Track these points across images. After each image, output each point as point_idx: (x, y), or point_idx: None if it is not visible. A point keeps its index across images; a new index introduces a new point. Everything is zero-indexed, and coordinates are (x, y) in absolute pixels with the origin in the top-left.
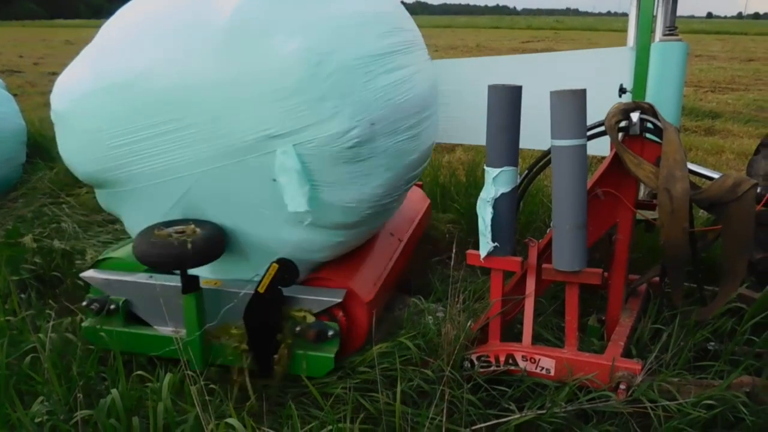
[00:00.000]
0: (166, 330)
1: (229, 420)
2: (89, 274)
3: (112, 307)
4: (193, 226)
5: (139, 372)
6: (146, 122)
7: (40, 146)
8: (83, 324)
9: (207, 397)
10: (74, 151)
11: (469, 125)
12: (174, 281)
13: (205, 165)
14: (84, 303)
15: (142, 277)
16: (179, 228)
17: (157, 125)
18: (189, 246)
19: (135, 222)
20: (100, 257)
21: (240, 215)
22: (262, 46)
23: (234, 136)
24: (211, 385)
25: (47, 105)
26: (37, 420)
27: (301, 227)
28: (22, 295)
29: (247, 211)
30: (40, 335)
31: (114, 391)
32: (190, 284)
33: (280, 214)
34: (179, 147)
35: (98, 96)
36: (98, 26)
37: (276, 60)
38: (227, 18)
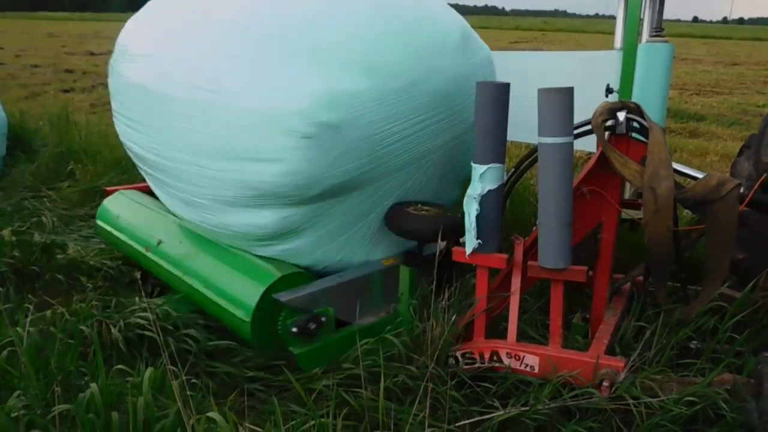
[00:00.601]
0: (369, 320)
1: (211, 414)
2: (289, 296)
3: (323, 319)
4: (419, 204)
5: (119, 366)
6: (420, 117)
7: (21, 139)
8: (297, 352)
9: (188, 392)
10: (333, 162)
11: None
12: (366, 270)
13: (442, 149)
14: (294, 329)
15: (336, 279)
16: (417, 207)
17: (428, 119)
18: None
19: (332, 230)
20: (270, 284)
21: (440, 188)
22: (471, 52)
23: (466, 120)
24: (193, 380)
25: (29, 98)
26: (13, 415)
27: (463, 186)
28: (0, 289)
29: (446, 182)
30: (18, 329)
31: (93, 385)
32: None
33: (461, 177)
34: (432, 137)
35: (379, 101)
36: (84, 19)
37: (479, 61)
38: (458, 35)
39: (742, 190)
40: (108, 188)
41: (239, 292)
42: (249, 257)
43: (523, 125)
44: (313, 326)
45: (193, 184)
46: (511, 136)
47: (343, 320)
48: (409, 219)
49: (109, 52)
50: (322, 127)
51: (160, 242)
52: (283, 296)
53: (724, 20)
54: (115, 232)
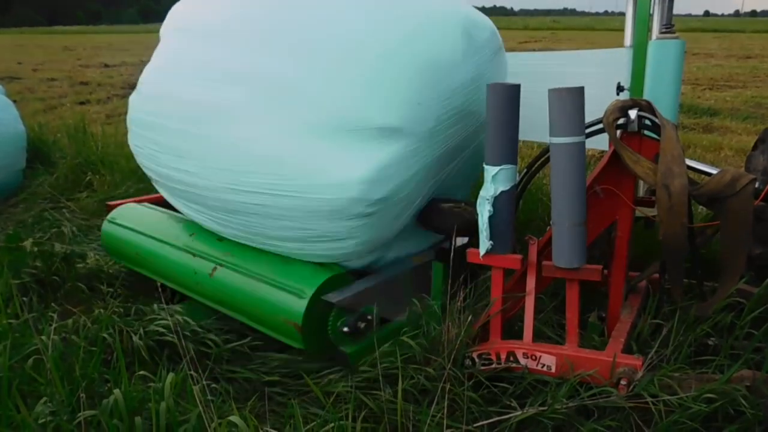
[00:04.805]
0: (403, 316)
1: (232, 418)
2: (339, 296)
3: (370, 317)
4: (450, 201)
5: (141, 372)
6: (451, 140)
7: (40, 152)
8: (349, 351)
9: (209, 397)
10: (394, 220)
11: None
12: (401, 268)
13: (466, 152)
14: (345, 329)
15: (377, 278)
16: (450, 204)
17: (457, 134)
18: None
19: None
20: (318, 286)
21: (466, 185)
22: (478, 48)
23: (481, 117)
24: (213, 385)
25: (46, 111)
26: (40, 421)
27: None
28: (24, 299)
29: (464, 181)
30: (43, 337)
31: (117, 391)
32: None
33: (474, 176)
34: (458, 146)
35: (415, 152)
36: (97, 32)
37: (488, 51)
38: (460, 35)
39: (757, 185)
40: (111, 203)
41: (286, 297)
42: (292, 261)
43: (536, 125)
44: (362, 325)
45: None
46: (524, 136)
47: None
48: (446, 216)
49: (123, 64)
50: (378, 203)
51: (193, 235)
52: (333, 297)
53: (736, 13)
54: (134, 238)
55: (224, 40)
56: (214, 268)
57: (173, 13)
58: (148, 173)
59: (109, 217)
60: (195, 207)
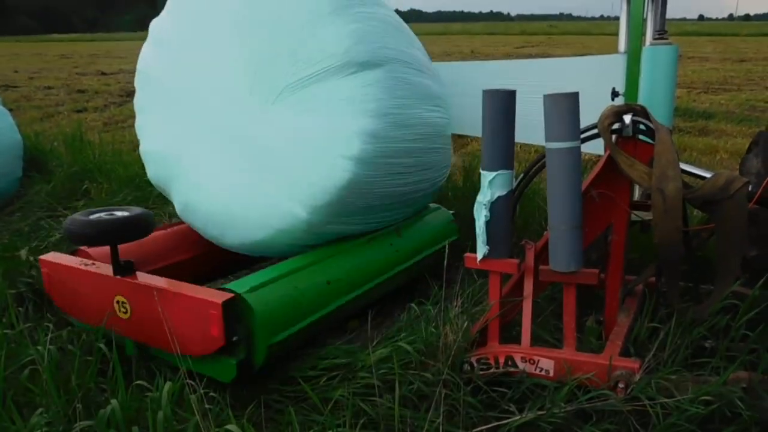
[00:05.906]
0: None
1: (230, 426)
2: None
3: None
4: None
5: (138, 382)
6: None
7: (37, 160)
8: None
9: (206, 405)
10: None
11: (465, 120)
12: None
13: None
14: None
15: None
16: None
17: None
18: None
19: None
20: None
21: None
22: None
23: None
24: (211, 393)
25: (43, 119)
26: None
27: None
28: (20, 308)
29: None
30: (39, 347)
31: (113, 401)
32: None
33: None
34: None
35: None
36: (94, 39)
37: None
38: None
39: (750, 188)
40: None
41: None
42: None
43: (534, 129)
44: None
45: None
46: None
47: None
48: None
49: (120, 71)
50: None
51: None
52: None
53: (730, 17)
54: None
55: (423, 71)
56: (397, 229)
57: (366, 49)
58: (363, 201)
59: (245, 291)
60: (370, 216)
